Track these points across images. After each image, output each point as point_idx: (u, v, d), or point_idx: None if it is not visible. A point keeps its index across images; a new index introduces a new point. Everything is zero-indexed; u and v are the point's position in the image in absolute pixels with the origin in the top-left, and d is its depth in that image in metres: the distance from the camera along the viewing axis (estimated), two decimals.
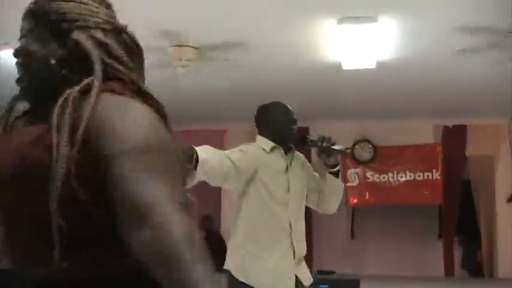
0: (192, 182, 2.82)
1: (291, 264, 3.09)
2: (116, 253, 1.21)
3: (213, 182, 3.01)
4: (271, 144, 3.20)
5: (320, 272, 5.77)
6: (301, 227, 3.20)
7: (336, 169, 3.20)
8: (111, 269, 1.23)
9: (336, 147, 3.15)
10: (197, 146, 2.93)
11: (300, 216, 3.21)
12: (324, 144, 3.12)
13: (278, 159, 3.21)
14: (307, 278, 3.17)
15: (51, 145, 1.17)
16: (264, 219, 3.12)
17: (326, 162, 3.20)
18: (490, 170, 8.36)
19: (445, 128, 8.31)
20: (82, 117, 1.19)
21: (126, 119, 1.22)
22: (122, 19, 1.42)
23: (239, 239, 3.15)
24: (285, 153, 3.23)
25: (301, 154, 3.34)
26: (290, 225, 3.12)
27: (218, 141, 8.65)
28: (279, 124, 3.24)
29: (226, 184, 3.15)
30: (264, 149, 3.19)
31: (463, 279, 8.42)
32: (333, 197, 3.29)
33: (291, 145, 3.23)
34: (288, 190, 3.17)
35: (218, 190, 8.04)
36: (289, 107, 3.29)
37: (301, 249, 3.17)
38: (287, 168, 3.20)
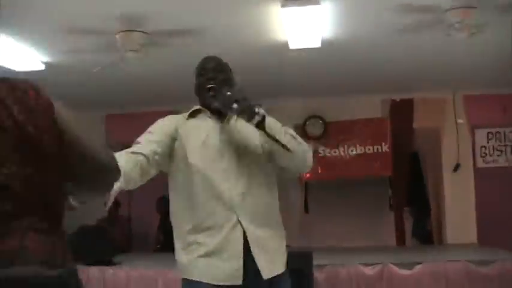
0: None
1: (236, 252, 2.59)
2: None
3: (136, 184, 2.66)
4: (193, 109, 2.83)
5: None
6: (253, 203, 2.65)
7: (256, 119, 2.55)
8: None
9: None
10: (147, 127, 2.81)
11: (249, 188, 2.65)
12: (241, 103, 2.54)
13: (201, 124, 2.76)
14: (266, 269, 2.61)
15: None
16: (189, 200, 2.68)
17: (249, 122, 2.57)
18: (436, 142, 8.63)
19: (393, 102, 8.55)
20: None
21: None
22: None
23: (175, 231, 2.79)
24: (217, 115, 2.74)
25: None
26: (231, 202, 2.63)
27: None
28: (196, 85, 2.83)
29: (148, 176, 2.69)
30: (183, 117, 2.82)
31: (414, 247, 8.71)
32: (285, 155, 2.63)
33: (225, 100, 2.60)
34: (222, 158, 2.66)
35: None
36: (210, 62, 2.86)
37: (256, 232, 2.63)
38: (220, 132, 2.72)
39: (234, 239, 2.59)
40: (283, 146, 2.51)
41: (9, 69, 6.41)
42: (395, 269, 6.06)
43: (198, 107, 2.85)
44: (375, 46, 6.12)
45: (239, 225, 2.61)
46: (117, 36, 5.25)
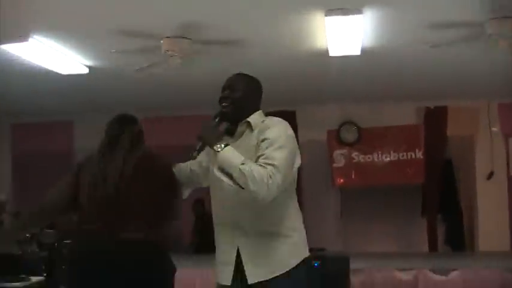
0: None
1: (230, 258, 2.79)
2: None
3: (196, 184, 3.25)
4: None
5: (311, 250, 6.04)
6: (237, 215, 2.78)
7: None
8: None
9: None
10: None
11: (232, 204, 2.77)
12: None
13: None
14: (252, 275, 2.74)
15: None
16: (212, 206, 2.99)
17: None
18: (470, 150, 8.67)
19: (427, 109, 8.61)
20: None
21: None
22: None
23: None
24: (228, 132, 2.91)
25: (270, 124, 2.81)
26: (223, 214, 2.87)
27: None
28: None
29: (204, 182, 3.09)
30: None
31: (446, 253, 8.75)
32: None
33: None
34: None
35: None
36: (225, 83, 2.97)
37: (244, 242, 2.77)
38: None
39: (228, 249, 2.84)
40: (235, 183, 2.62)
41: (55, 71, 6.63)
42: (430, 274, 6.15)
43: None
44: (412, 56, 6.20)
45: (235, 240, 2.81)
46: (162, 41, 5.41)
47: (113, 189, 3.02)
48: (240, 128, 2.87)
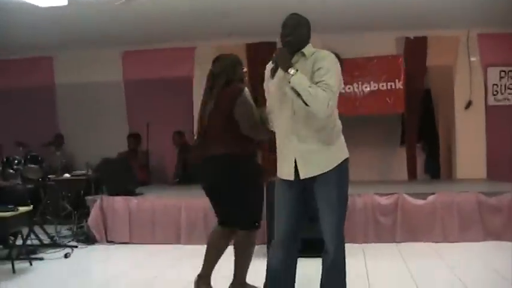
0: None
1: (289, 153, 3.47)
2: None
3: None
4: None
5: None
6: (296, 126, 3.44)
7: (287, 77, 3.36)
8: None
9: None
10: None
11: (297, 116, 3.44)
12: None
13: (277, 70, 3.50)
14: (303, 171, 3.43)
15: None
16: (274, 119, 3.63)
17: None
18: (449, 80, 8.77)
19: (407, 39, 8.66)
20: None
21: None
22: None
23: None
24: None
25: (321, 56, 3.44)
26: (287, 124, 3.48)
27: (188, 58, 8.99)
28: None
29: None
30: (269, 66, 3.57)
31: (425, 180, 8.96)
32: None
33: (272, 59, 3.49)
34: (284, 95, 3.46)
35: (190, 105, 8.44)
36: (286, 20, 3.50)
37: (298, 143, 3.46)
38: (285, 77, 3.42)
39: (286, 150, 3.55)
40: (302, 100, 3.32)
41: (34, 5, 6.57)
42: (409, 198, 6.33)
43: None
44: None
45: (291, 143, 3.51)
46: None
47: None
48: (296, 57, 3.47)
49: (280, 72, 3.43)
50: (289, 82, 3.33)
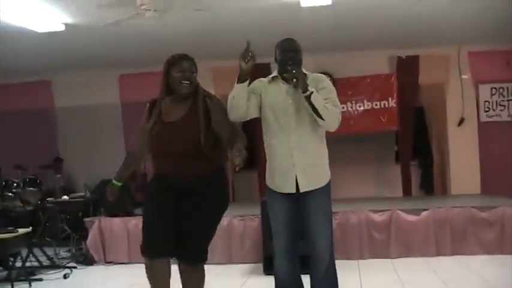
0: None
1: (290, 168, 3.63)
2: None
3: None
4: (273, 75, 3.77)
5: None
6: (299, 140, 3.63)
7: (306, 93, 3.51)
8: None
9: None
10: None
11: (299, 131, 3.63)
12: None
13: (277, 86, 3.71)
14: (304, 185, 3.63)
15: None
16: (271, 135, 3.74)
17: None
18: (441, 97, 8.90)
19: (399, 58, 8.80)
20: None
21: None
22: None
23: None
24: (288, 82, 3.65)
25: (319, 77, 3.71)
26: (288, 139, 3.65)
27: None
28: (279, 60, 3.74)
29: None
30: (267, 80, 3.78)
31: (420, 196, 9.02)
32: (320, 120, 3.57)
33: (290, 76, 3.61)
34: (287, 111, 3.66)
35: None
36: (288, 44, 3.72)
37: (299, 157, 3.62)
38: (288, 94, 3.65)
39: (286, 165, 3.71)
40: (319, 115, 3.52)
41: (32, 30, 6.70)
42: (403, 215, 6.41)
43: (276, 74, 3.75)
44: (382, 5, 6.35)
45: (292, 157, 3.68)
46: None
47: None
48: None
49: (285, 89, 3.66)
50: (309, 99, 3.50)
